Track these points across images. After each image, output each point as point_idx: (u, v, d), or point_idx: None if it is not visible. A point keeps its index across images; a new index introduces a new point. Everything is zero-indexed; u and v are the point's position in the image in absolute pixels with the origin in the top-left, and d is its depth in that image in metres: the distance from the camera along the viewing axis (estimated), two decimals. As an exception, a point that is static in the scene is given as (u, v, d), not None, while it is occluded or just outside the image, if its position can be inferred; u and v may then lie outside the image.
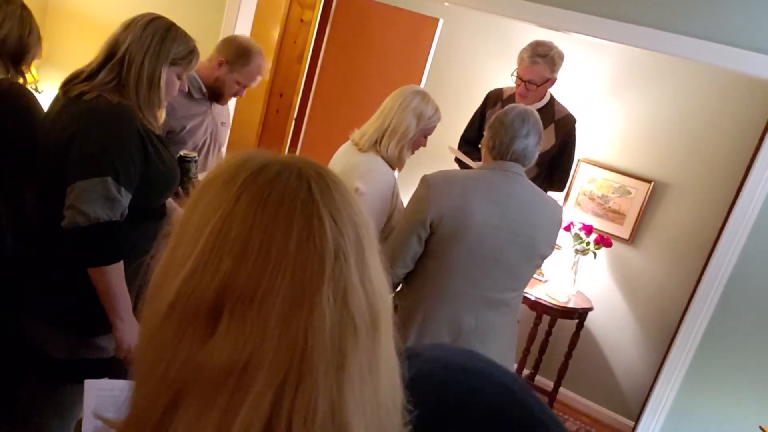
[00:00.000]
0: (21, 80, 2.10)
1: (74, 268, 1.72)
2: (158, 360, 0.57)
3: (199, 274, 0.57)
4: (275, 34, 4.74)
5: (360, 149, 2.28)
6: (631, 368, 3.72)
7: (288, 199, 0.59)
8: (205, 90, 2.54)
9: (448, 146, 3.25)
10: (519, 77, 2.99)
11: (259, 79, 2.60)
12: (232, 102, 3.49)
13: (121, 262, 1.71)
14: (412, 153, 2.34)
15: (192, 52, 1.83)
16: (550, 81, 3.00)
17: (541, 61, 2.92)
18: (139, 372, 0.60)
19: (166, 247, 0.62)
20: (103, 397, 1.14)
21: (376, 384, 0.60)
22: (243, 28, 3.49)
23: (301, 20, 4.70)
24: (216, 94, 2.59)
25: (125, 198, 1.68)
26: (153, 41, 1.74)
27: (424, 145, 2.37)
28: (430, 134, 2.34)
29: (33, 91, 3.23)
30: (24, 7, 1.98)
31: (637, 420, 2.97)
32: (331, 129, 4.02)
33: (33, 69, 3.29)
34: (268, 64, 4.74)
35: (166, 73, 1.77)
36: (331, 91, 4.17)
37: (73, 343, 1.78)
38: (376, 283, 0.62)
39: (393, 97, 2.29)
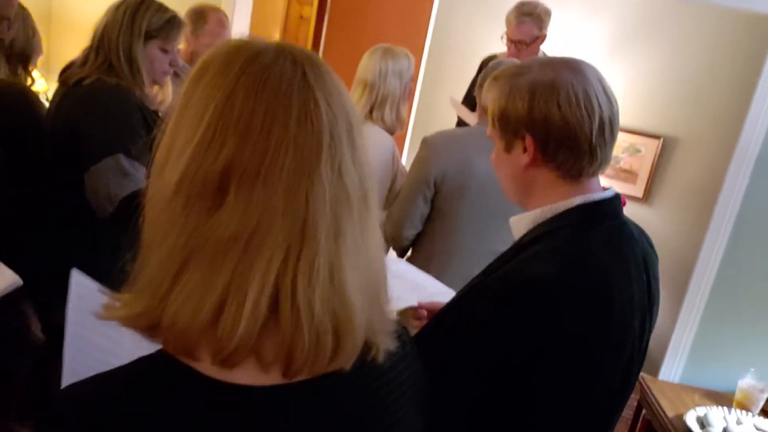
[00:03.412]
0: (29, 81, 2.15)
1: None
2: (168, 231, 0.62)
3: (203, 152, 0.61)
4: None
5: None
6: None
7: (285, 82, 0.63)
8: None
9: (450, 97, 3.23)
10: (509, 38, 3.02)
11: (226, 34, 2.57)
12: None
13: None
14: (409, 104, 2.39)
15: (169, 22, 1.82)
16: (540, 39, 3.02)
17: (528, 19, 2.93)
18: (148, 245, 0.64)
19: (164, 132, 0.65)
20: (86, 293, 1.07)
21: (367, 251, 0.66)
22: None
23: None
24: None
25: (140, 171, 1.72)
26: (125, 18, 1.76)
27: (411, 90, 2.40)
28: (412, 79, 2.38)
29: (42, 100, 3.29)
30: (21, 6, 2.01)
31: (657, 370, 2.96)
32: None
33: (40, 77, 3.37)
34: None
35: (143, 48, 1.79)
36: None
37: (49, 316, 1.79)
38: (364, 164, 0.67)
39: (366, 69, 2.31)
